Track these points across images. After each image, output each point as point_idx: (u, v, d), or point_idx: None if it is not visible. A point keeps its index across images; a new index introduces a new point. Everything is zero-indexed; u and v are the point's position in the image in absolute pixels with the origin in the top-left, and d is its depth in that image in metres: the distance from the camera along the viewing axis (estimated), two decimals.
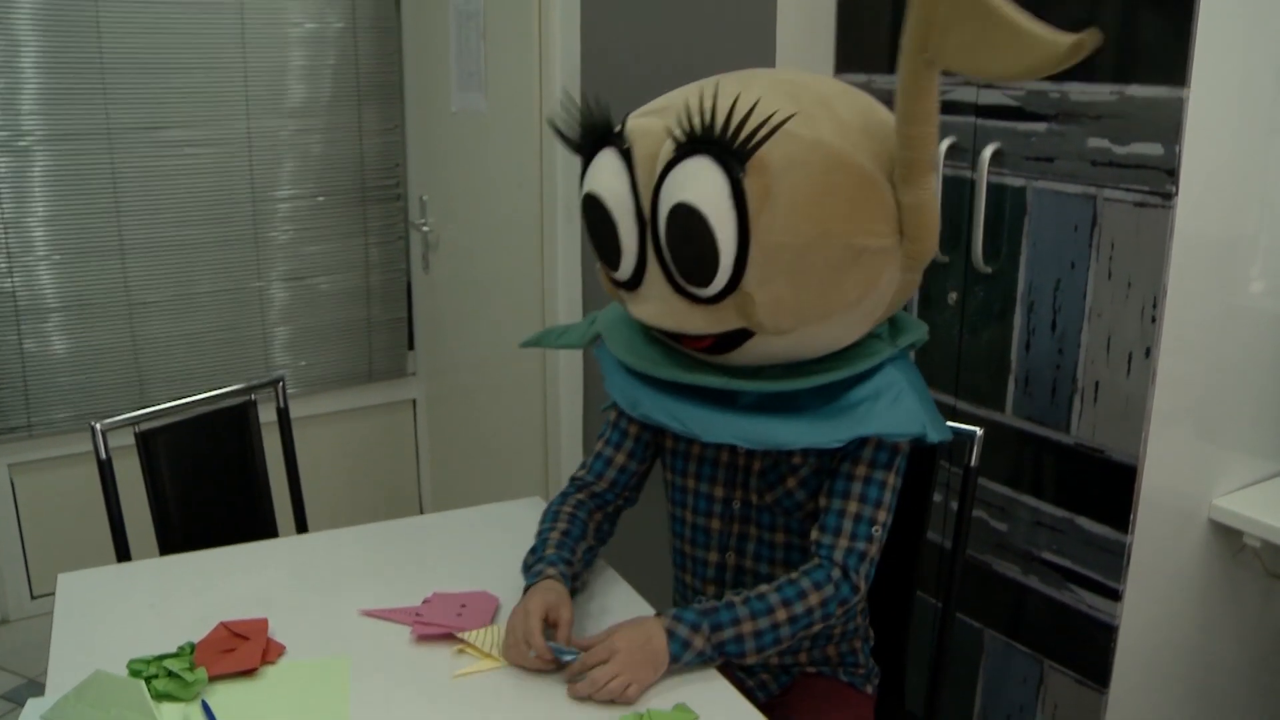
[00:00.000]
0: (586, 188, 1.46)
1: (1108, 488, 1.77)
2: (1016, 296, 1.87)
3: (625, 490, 1.71)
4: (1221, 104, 1.64)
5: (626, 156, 1.41)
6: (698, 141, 1.31)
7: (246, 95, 3.11)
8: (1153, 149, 1.62)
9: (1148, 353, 1.68)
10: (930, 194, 1.33)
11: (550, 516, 1.65)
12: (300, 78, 3.18)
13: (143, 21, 2.91)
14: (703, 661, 1.41)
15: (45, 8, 2.79)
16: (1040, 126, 1.78)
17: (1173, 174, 1.61)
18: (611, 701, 1.35)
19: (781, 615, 1.43)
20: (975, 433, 1.71)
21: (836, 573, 1.46)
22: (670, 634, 1.40)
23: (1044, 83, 1.76)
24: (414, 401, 3.63)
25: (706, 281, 1.35)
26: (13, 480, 3.01)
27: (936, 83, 1.25)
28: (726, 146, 1.29)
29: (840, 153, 1.31)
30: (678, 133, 1.32)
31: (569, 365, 2.78)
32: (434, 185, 3.27)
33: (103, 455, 1.84)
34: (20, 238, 2.88)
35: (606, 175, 1.43)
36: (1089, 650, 1.83)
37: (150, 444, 1.91)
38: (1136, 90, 1.63)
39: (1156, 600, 1.83)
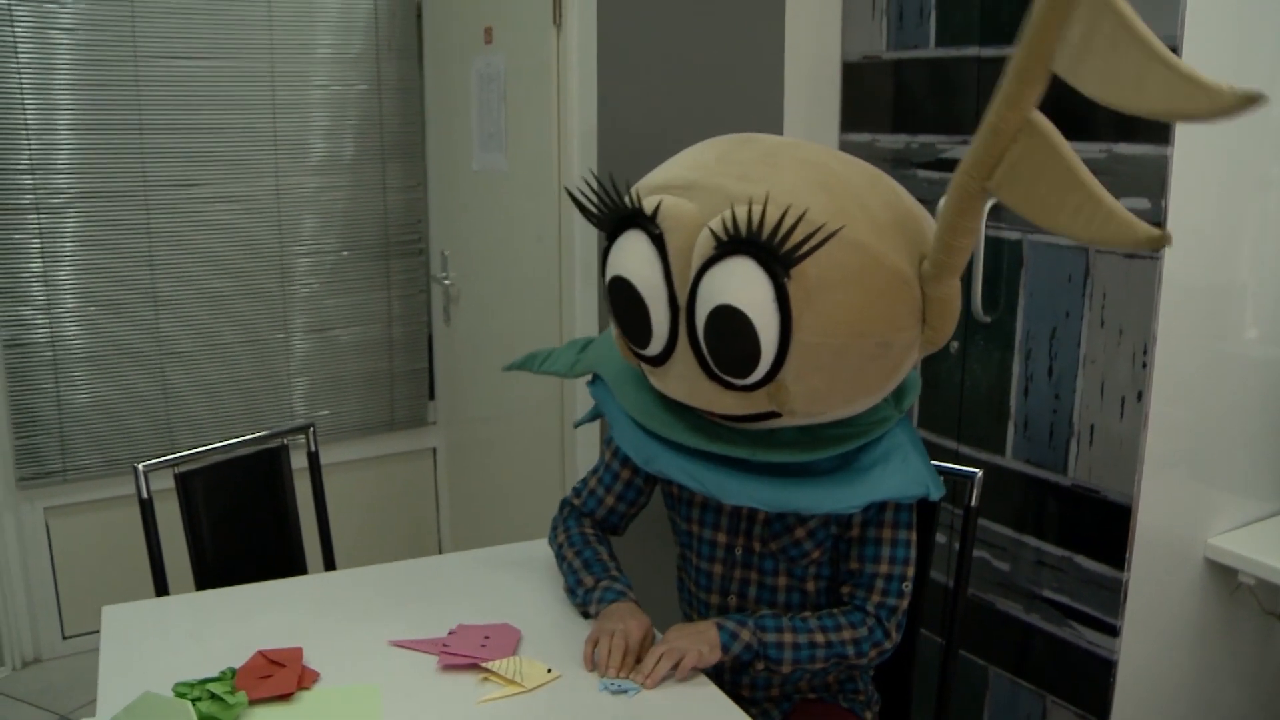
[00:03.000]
0: (616, 270, 1.47)
1: (1104, 527, 1.84)
2: (1015, 345, 1.95)
3: (615, 528, 1.82)
4: (1205, 161, 1.73)
5: (658, 242, 1.42)
6: (741, 243, 1.33)
7: (276, 154, 3.24)
8: (1140, 204, 1.72)
9: (1140, 397, 1.76)
10: (956, 290, 1.40)
11: (581, 541, 1.74)
12: (327, 137, 3.32)
13: (179, 84, 3.05)
14: (750, 656, 1.52)
15: (88, 72, 2.93)
16: None
17: (1160, 227, 1.70)
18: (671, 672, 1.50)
19: (819, 638, 1.54)
20: (975, 474, 1.79)
21: (871, 620, 1.57)
22: (719, 626, 1.52)
23: None
24: (434, 450, 3.71)
25: (744, 375, 1.40)
26: (48, 523, 3.10)
27: (986, 205, 1.28)
28: (773, 252, 1.31)
29: (877, 255, 1.35)
30: (720, 232, 1.35)
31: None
32: (455, 240, 3.38)
33: (144, 495, 1.93)
34: (59, 289, 3.00)
35: (637, 261, 1.44)
36: (1089, 685, 1.90)
37: (189, 484, 2.00)
38: (1125, 148, 1.73)
39: (1154, 635, 1.90)
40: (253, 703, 1.45)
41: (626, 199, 1.47)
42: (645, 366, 1.56)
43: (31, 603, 3.12)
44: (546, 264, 2.87)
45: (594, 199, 1.49)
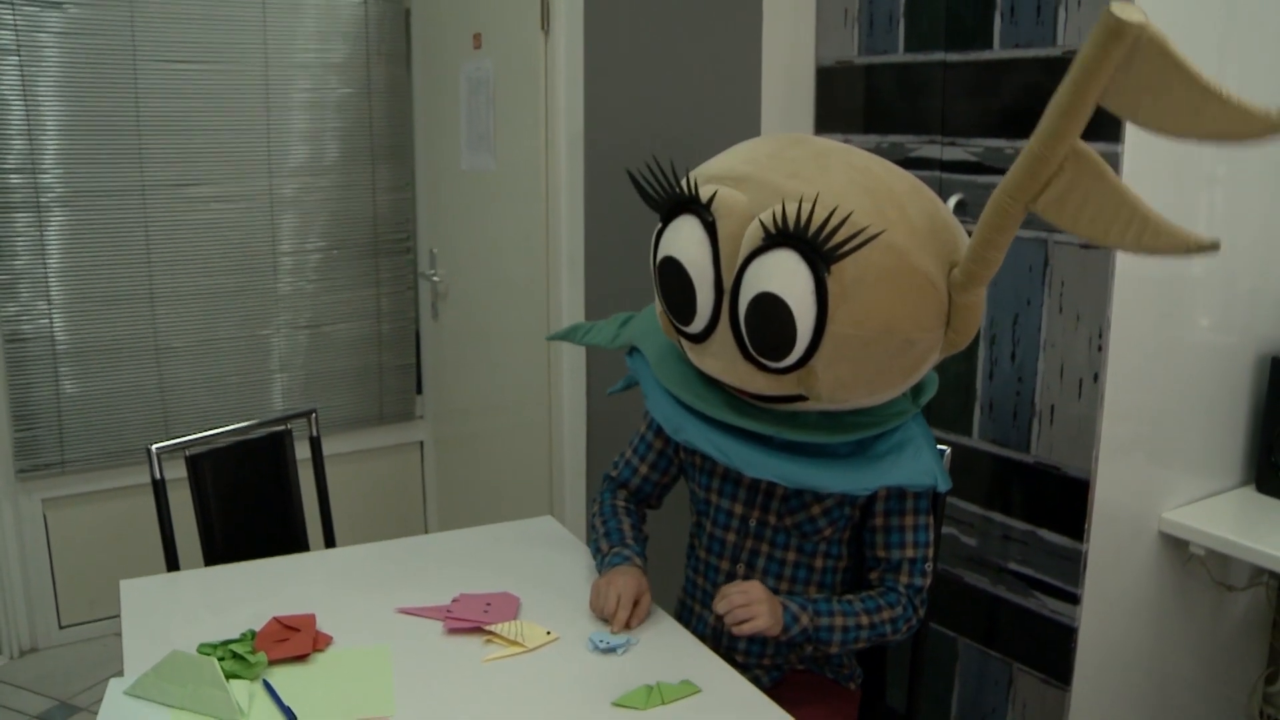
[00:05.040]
0: (668, 250, 1.57)
1: (1064, 501, 1.96)
2: (980, 332, 2.07)
3: (650, 497, 1.92)
4: (1154, 160, 1.85)
5: (710, 229, 1.52)
6: (788, 236, 1.43)
7: (269, 155, 3.33)
8: None
9: (1096, 378, 1.89)
10: (981, 298, 1.51)
11: (610, 511, 1.85)
12: (318, 139, 3.41)
13: (176, 87, 3.15)
14: (803, 639, 1.64)
15: (88, 74, 3.02)
16: (997, 179, 1.98)
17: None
18: (723, 626, 1.62)
19: (864, 620, 1.67)
20: (944, 452, 1.91)
21: (904, 599, 1.70)
22: (784, 607, 1.62)
23: (1000, 139, 1.99)
24: (421, 444, 3.81)
25: (778, 359, 1.50)
26: (45, 514, 3.17)
27: (1018, 223, 1.38)
28: (816, 248, 1.41)
29: (910, 258, 1.45)
30: (769, 225, 1.44)
31: (574, 412, 2.95)
32: (444, 239, 3.48)
33: (157, 475, 2.02)
34: (60, 285, 3.08)
35: (689, 243, 1.54)
36: (1052, 651, 2.01)
37: (198, 466, 2.10)
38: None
39: (1112, 603, 2.02)
40: (272, 663, 1.55)
41: (684, 185, 1.56)
42: (685, 343, 1.65)
43: (29, 593, 3.19)
44: (533, 261, 2.97)
45: (653, 183, 1.58)
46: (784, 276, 1.44)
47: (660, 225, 1.60)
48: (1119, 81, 1.19)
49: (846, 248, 1.41)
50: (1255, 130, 1.14)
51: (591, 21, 2.76)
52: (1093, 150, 1.28)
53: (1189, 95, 1.15)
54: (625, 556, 1.75)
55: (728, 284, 1.52)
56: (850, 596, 1.70)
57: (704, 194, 1.53)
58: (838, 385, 1.52)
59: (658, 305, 1.69)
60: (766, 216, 1.46)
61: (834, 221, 1.41)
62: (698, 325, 1.58)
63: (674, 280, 1.57)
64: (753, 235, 1.48)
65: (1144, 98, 1.19)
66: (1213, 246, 1.22)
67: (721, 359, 1.58)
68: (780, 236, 1.44)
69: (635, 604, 1.68)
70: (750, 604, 1.58)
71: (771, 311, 1.46)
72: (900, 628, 1.69)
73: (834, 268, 1.42)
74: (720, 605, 1.60)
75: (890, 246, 1.44)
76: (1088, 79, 1.20)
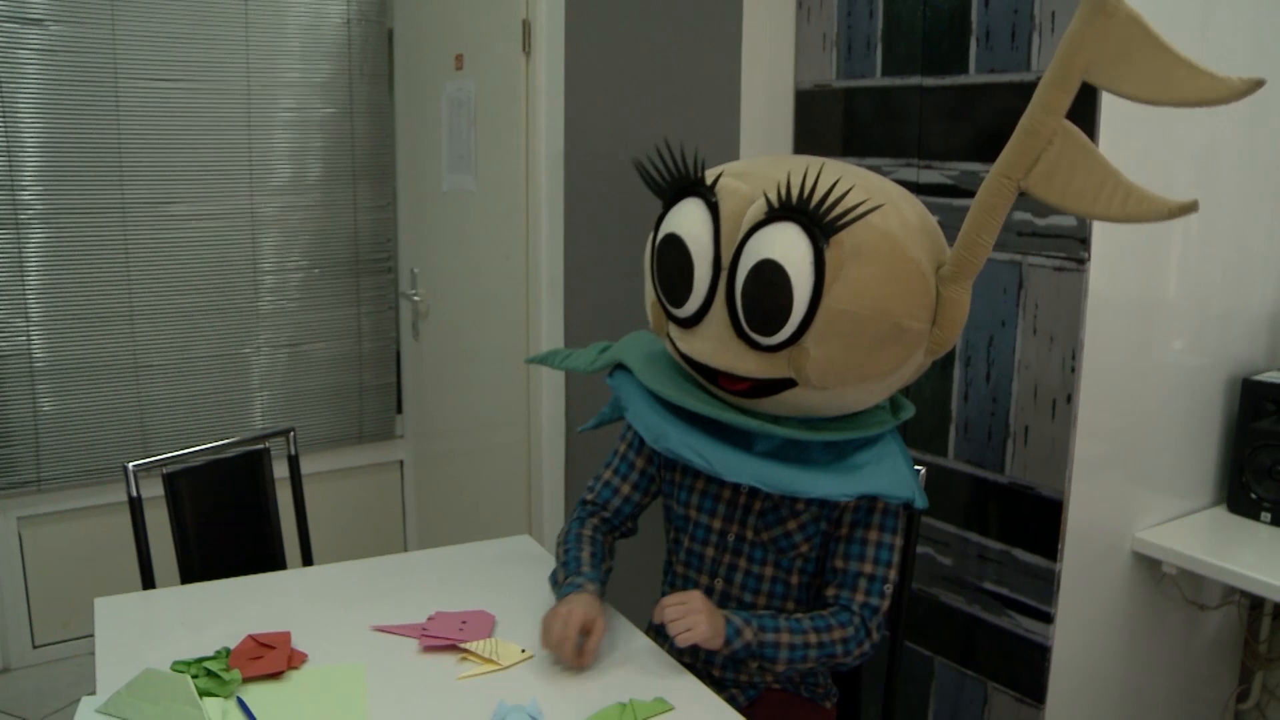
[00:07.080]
0: (670, 228, 1.62)
1: (1038, 521, 1.98)
2: (955, 353, 2.09)
3: (628, 520, 1.92)
4: (1129, 178, 1.88)
5: (713, 209, 1.58)
6: (791, 209, 1.49)
7: (250, 173, 3.33)
8: (1067, 221, 1.87)
9: (1069, 399, 1.91)
10: (967, 295, 1.56)
11: (574, 540, 1.83)
12: (299, 158, 3.42)
13: (158, 106, 3.14)
14: (747, 654, 1.63)
15: (70, 91, 3.02)
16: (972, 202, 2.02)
17: (1084, 242, 1.85)
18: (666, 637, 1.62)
19: (813, 639, 1.65)
20: (920, 470, 1.93)
21: (857, 620, 1.69)
22: (727, 620, 1.62)
23: (976, 163, 2.01)
24: (401, 463, 3.80)
25: (772, 332, 1.53)
26: (20, 533, 3.15)
27: (1009, 206, 1.46)
28: (817, 219, 1.47)
29: (904, 246, 1.51)
30: (773, 199, 1.50)
31: (553, 432, 2.96)
32: (424, 258, 3.49)
33: (134, 493, 2.02)
34: (39, 303, 3.07)
35: (691, 221, 1.59)
36: (1026, 670, 2.03)
37: (175, 485, 2.09)
38: None
39: (1085, 621, 2.03)
40: (246, 680, 1.55)
41: (690, 168, 1.62)
42: (674, 329, 1.67)
43: (2, 612, 3.16)
44: (513, 281, 2.98)
45: (660, 167, 1.64)
46: (784, 245, 1.49)
47: (662, 211, 1.65)
48: (1100, 54, 1.32)
49: (846, 219, 1.46)
50: (1221, 94, 1.27)
51: (572, 44, 2.78)
52: (1077, 127, 1.38)
53: (1160, 62, 1.29)
54: (577, 585, 1.70)
55: (726, 260, 1.57)
56: (800, 615, 1.69)
57: (708, 177, 1.61)
58: (828, 366, 1.54)
59: (649, 295, 1.71)
60: (771, 192, 1.51)
61: (835, 193, 1.47)
62: (692, 306, 1.61)
63: (672, 258, 1.61)
64: (756, 211, 1.54)
65: (1121, 67, 1.32)
66: (1192, 207, 1.33)
67: (711, 341, 1.60)
68: (783, 209, 1.49)
69: (588, 634, 1.63)
70: (688, 615, 1.58)
71: (771, 278, 1.50)
72: (852, 649, 1.67)
73: (834, 241, 1.47)
74: (658, 616, 1.61)
75: (886, 233, 1.50)
76: (1074, 52, 1.34)
